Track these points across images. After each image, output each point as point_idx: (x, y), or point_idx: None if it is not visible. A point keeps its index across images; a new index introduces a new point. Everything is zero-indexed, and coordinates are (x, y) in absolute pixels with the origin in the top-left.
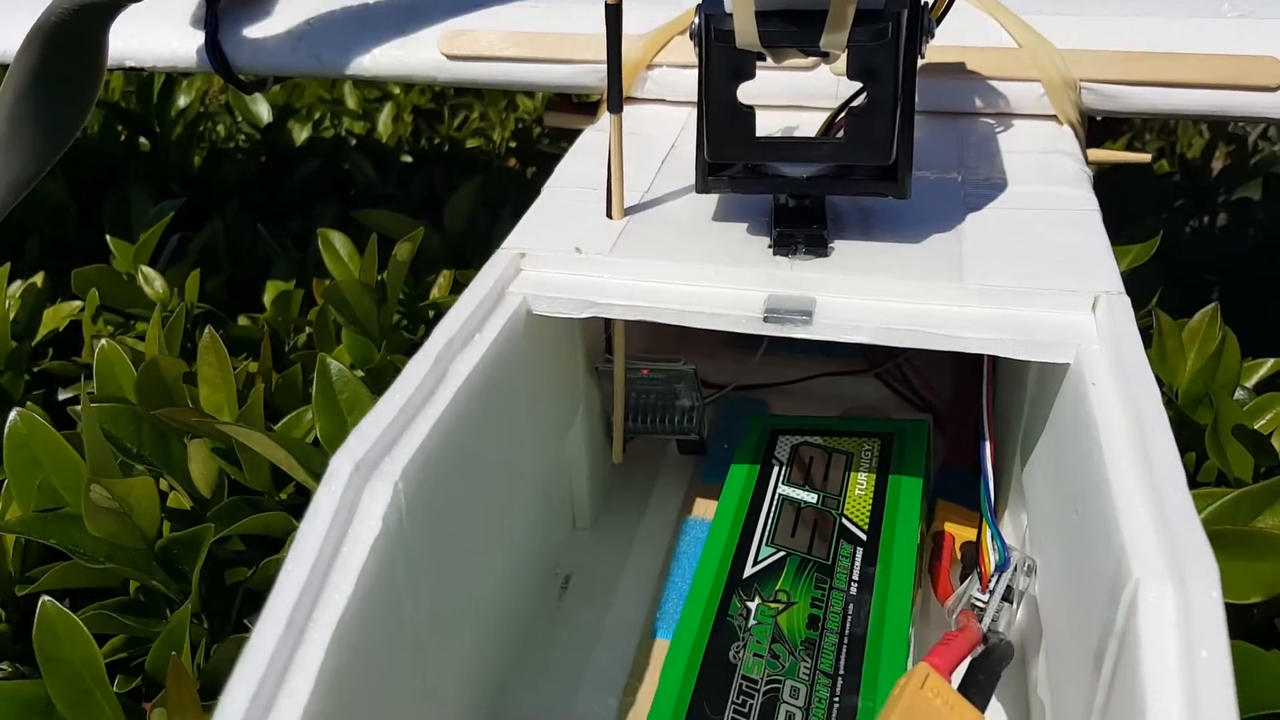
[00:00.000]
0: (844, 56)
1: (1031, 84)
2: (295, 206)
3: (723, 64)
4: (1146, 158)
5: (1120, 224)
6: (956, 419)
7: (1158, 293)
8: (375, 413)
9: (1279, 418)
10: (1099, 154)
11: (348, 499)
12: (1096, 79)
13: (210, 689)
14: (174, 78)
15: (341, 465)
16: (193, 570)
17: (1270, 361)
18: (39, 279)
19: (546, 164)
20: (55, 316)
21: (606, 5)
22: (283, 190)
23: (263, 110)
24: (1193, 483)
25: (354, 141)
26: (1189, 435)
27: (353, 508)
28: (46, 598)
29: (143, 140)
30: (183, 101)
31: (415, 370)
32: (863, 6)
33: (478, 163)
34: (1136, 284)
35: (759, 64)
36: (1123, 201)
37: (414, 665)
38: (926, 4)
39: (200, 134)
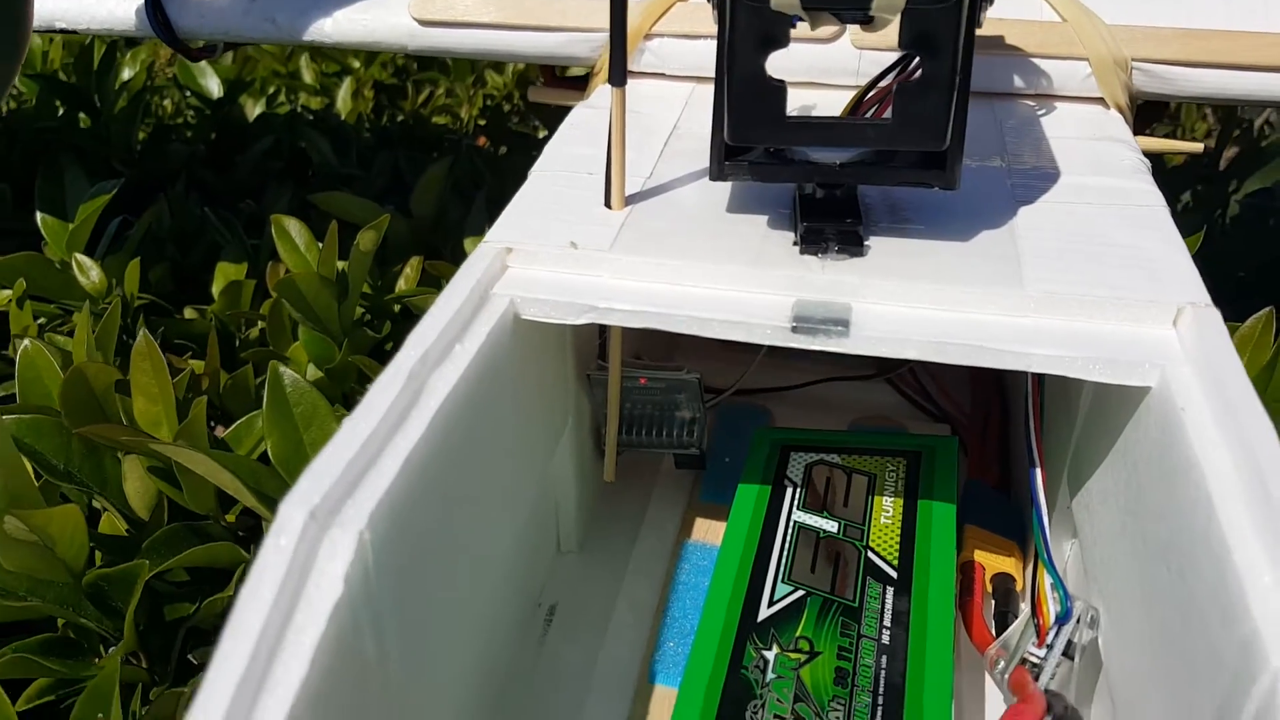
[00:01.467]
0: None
1: (1077, 63)
2: (247, 188)
3: (750, 29)
4: (1199, 147)
5: None
6: (977, 430)
7: None
8: (334, 446)
9: None
10: (1146, 142)
11: (301, 555)
12: (1150, 59)
13: None
14: (116, 46)
15: (293, 514)
16: (126, 608)
17: None
18: None
19: (518, 144)
20: None
21: None
22: (234, 170)
23: (212, 84)
24: None
25: (310, 118)
26: None
27: (307, 566)
28: None
29: (82, 115)
30: (127, 74)
31: (384, 391)
32: None
33: (444, 141)
34: None
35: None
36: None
37: None
38: None
39: (146, 108)
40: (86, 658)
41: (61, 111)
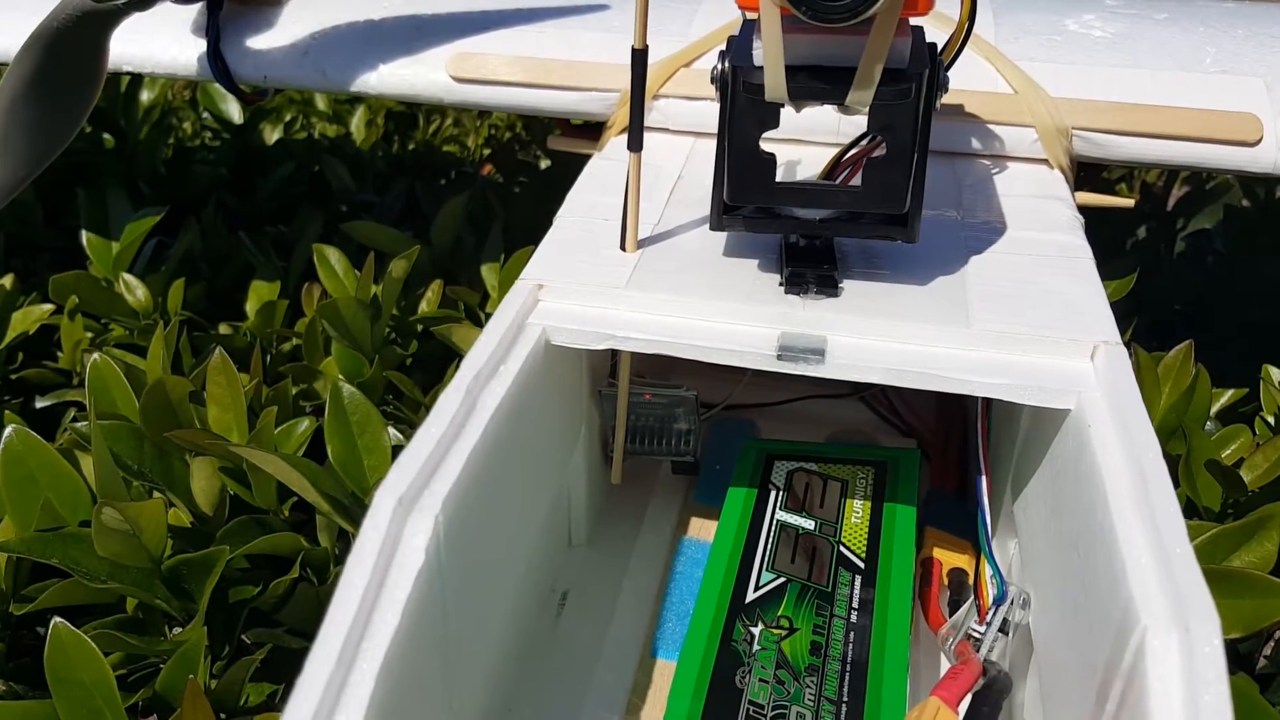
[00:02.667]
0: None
1: (1025, 129)
2: (268, 211)
3: (748, 113)
4: (1130, 203)
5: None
6: (939, 445)
7: (1131, 327)
8: (413, 446)
9: (1244, 447)
10: (1085, 197)
11: (392, 532)
12: (1088, 127)
13: (218, 707)
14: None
15: (385, 499)
16: (202, 590)
17: (1230, 392)
18: (7, 280)
19: (521, 171)
20: (25, 320)
21: (633, 50)
22: (255, 193)
23: (233, 109)
24: None
25: (327, 145)
26: None
27: (396, 540)
28: (58, 619)
29: (107, 136)
30: (146, 96)
31: (448, 403)
32: (888, 66)
33: (453, 169)
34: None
35: None
36: (1094, 231)
37: (444, 686)
38: (940, 61)
39: (167, 130)
40: (154, 635)
41: (88, 131)
